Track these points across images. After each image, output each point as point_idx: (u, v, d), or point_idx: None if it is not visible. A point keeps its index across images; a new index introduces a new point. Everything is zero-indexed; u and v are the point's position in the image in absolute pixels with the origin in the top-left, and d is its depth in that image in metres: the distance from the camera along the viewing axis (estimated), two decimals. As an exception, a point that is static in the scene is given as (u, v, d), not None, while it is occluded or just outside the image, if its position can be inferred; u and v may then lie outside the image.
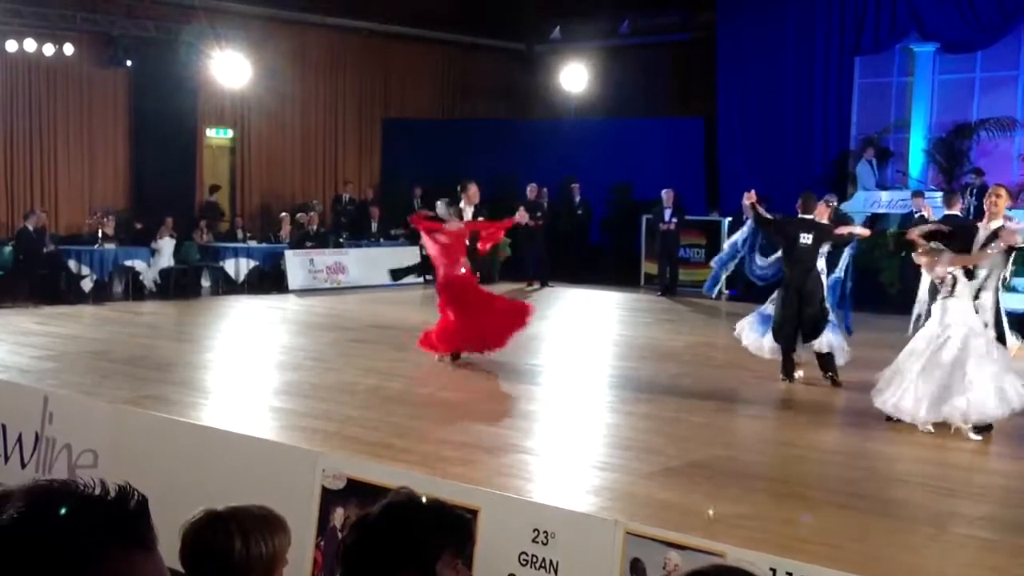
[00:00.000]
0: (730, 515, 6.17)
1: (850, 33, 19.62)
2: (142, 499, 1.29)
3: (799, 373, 10.54)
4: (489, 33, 23.50)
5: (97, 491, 1.27)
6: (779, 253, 10.79)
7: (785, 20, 20.13)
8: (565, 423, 8.95)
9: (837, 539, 5.85)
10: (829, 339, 10.43)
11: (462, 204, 11.80)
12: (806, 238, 10.30)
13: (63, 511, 1.24)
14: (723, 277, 11.90)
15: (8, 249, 16.70)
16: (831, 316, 10.53)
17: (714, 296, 12.05)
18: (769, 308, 10.84)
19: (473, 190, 11.94)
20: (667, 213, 18.63)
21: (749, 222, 11.09)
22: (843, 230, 10.88)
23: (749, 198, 10.80)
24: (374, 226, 20.96)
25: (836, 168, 19.70)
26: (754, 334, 10.84)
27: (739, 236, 11.13)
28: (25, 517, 1.23)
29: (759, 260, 10.99)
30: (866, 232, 11.60)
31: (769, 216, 10.89)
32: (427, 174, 20.57)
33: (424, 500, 2.11)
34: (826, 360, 10.40)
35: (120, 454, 5.88)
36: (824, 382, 10.35)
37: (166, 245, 17.62)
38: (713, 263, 11.67)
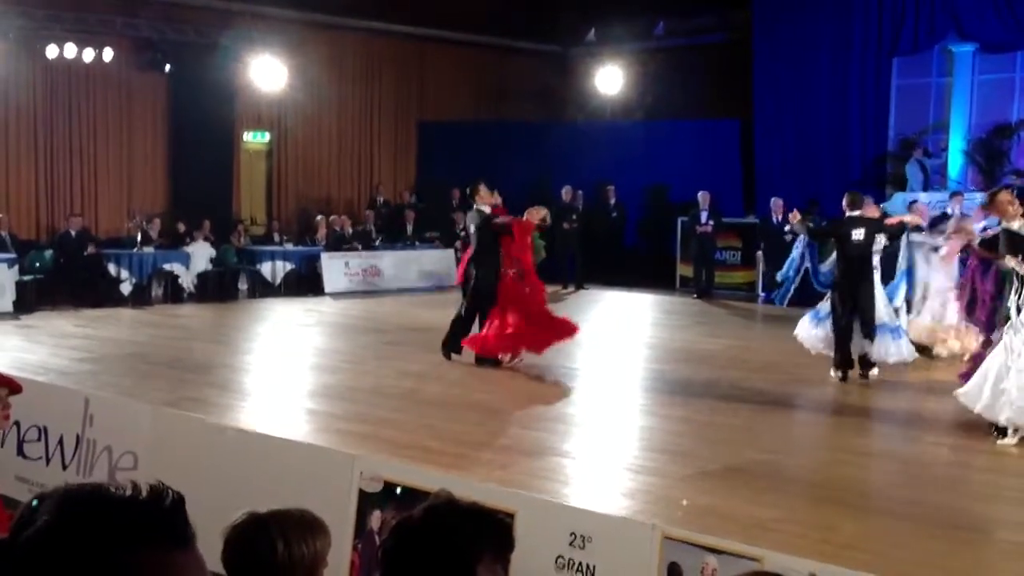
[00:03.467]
0: (768, 519, 6.14)
1: (888, 34, 19.41)
2: (177, 497, 1.27)
3: (874, 371, 10.58)
4: (524, 36, 23.51)
5: (129, 492, 1.26)
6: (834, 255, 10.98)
7: (821, 21, 19.95)
8: (600, 426, 8.94)
9: (877, 544, 5.80)
10: (888, 347, 10.47)
11: (478, 205, 11.85)
12: (858, 234, 10.39)
13: (94, 515, 1.23)
14: (792, 289, 12.23)
15: (48, 252, 16.90)
16: (895, 320, 10.66)
17: (784, 305, 12.18)
18: (825, 306, 10.88)
19: (482, 190, 11.90)
20: (703, 215, 18.54)
21: (801, 237, 11.27)
22: (893, 220, 10.98)
23: (794, 218, 11.03)
24: (409, 229, 21.01)
25: (874, 169, 19.52)
26: (811, 328, 10.91)
27: (796, 252, 11.34)
28: (55, 524, 1.22)
29: (822, 267, 11.12)
30: (916, 219, 11.44)
31: (818, 227, 11.02)
32: (462, 177, 20.51)
33: (465, 504, 2.11)
34: (866, 360, 10.53)
35: (160, 456, 5.92)
36: (862, 381, 10.46)
37: (202, 248, 17.74)
38: (779, 277, 12.01)
